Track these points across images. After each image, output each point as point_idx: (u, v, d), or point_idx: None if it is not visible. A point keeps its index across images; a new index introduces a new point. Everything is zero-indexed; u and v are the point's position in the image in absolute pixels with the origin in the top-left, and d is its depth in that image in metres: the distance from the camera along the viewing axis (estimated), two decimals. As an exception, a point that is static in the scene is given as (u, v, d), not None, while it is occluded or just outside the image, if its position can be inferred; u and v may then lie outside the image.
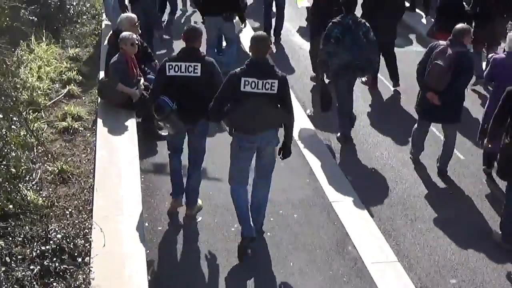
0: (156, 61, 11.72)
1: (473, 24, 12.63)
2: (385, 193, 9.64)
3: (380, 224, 8.82)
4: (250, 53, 7.92)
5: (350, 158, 10.59)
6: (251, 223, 8.19)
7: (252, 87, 7.70)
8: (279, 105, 7.91)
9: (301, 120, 11.71)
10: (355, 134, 11.37)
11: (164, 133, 10.90)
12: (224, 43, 14.18)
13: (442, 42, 9.68)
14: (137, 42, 10.83)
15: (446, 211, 9.22)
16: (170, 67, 8.31)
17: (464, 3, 12.98)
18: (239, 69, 7.84)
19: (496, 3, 12.71)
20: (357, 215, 8.94)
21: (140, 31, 11.55)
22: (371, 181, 9.94)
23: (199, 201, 9.04)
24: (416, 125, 10.49)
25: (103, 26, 15.68)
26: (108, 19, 15.85)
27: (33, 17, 14.17)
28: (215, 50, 13.59)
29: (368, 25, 10.74)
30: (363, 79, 13.41)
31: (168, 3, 16.08)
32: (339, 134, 11.21)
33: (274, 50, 15.06)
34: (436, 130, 11.14)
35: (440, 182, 9.98)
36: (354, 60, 10.59)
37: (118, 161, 9.45)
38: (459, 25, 9.69)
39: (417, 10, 18.20)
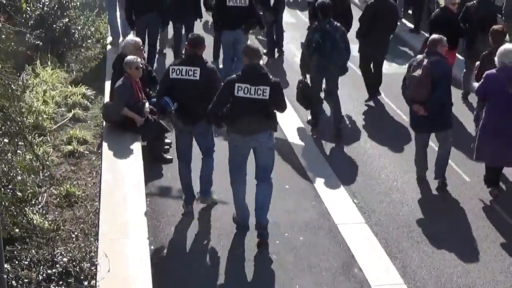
0: None
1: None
2: (391, 215, 9.63)
3: (386, 246, 8.80)
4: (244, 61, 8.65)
5: (356, 181, 10.58)
6: (247, 212, 8.96)
7: (245, 92, 8.37)
8: (272, 109, 8.63)
9: (305, 141, 11.74)
10: (361, 157, 11.39)
11: (169, 156, 10.94)
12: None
13: (420, 56, 10.12)
14: (141, 65, 10.89)
15: (452, 233, 9.20)
16: (173, 70, 9.03)
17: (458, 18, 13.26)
18: (235, 75, 8.55)
19: (478, 20, 12.98)
20: (363, 238, 8.93)
21: (144, 54, 11.65)
22: (377, 203, 9.93)
23: (214, 196, 9.69)
24: (415, 143, 10.67)
25: (107, 49, 15.75)
26: (112, 35, 16.28)
27: (38, 42, 14.27)
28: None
29: (343, 28, 11.84)
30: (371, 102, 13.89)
31: None
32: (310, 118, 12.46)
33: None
34: (432, 143, 11.17)
35: (447, 204, 9.96)
36: (334, 63, 11.69)
37: (123, 184, 9.47)
38: (433, 35, 10.19)
39: (421, 32, 18.31)
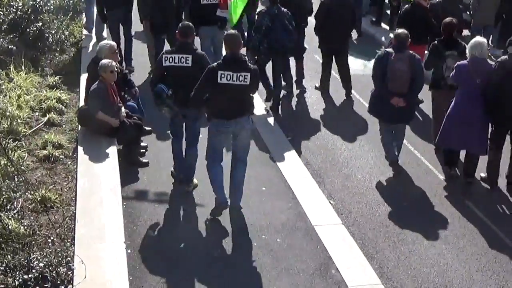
0: (137, 88, 11.75)
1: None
2: (367, 215, 9.67)
3: (363, 246, 8.84)
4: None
5: (333, 182, 10.62)
6: (224, 192, 9.42)
7: (227, 79, 8.95)
8: (251, 94, 9.41)
9: (283, 144, 11.76)
10: (337, 158, 11.43)
11: (145, 160, 10.91)
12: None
13: (389, 50, 10.73)
14: (116, 69, 10.84)
15: (428, 233, 9.25)
16: (166, 58, 9.72)
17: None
18: (216, 63, 9.10)
19: (444, 16, 12.63)
20: (340, 239, 8.95)
21: (119, 58, 11.62)
22: (354, 204, 9.97)
23: (195, 180, 10.20)
24: (380, 130, 11.28)
25: (82, 53, 15.68)
26: (88, 30, 16.93)
27: (12, 46, 14.16)
28: None
29: (290, 14, 12.93)
30: (316, 84, 14.80)
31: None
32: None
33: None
34: (409, 144, 11.30)
35: (423, 204, 10.02)
36: (286, 43, 12.81)
37: (99, 188, 9.42)
38: (401, 31, 10.75)
39: (382, 24, 18.72)
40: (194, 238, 8.94)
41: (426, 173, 10.91)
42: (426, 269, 8.43)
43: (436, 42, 11.46)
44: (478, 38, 10.43)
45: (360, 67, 15.85)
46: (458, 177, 10.80)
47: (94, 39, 16.52)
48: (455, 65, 10.43)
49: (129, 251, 8.36)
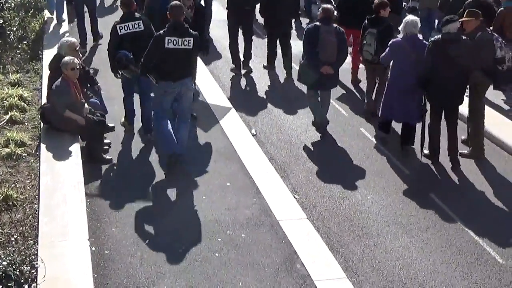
0: (99, 84, 11.70)
1: None
2: (332, 210, 9.71)
3: (328, 241, 8.87)
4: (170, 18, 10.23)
5: (297, 177, 10.64)
6: (176, 141, 10.48)
7: (174, 44, 10.13)
8: (194, 57, 10.77)
9: (246, 139, 11.77)
10: (301, 153, 11.46)
11: (108, 156, 10.86)
12: None
13: (317, 23, 11.73)
14: (78, 66, 10.77)
15: (392, 226, 9.31)
16: (120, 28, 11.11)
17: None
18: (161, 31, 10.19)
19: None
20: (304, 233, 8.97)
21: (81, 55, 11.58)
22: (318, 199, 10.00)
23: (122, 119, 11.95)
24: (308, 97, 12.38)
25: (44, 51, 15.56)
26: (50, 13, 17.79)
27: (-28, 44, 14.02)
28: None
29: None
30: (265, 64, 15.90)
31: None
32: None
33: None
34: (370, 136, 11.37)
35: (387, 197, 10.08)
36: None
37: (62, 186, 9.37)
38: (328, 6, 11.89)
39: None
40: (159, 233, 8.91)
41: (391, 168, 10.98)
42: (391, 262, 8.49)
43: (366, 20, 12.68)
44: (411, 17, 11.28)
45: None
46: (389, 142, 11.80)
47: (55, 36, 16.38)
48: (389, 43, 11.29)
49: (93, 248, 8.32)
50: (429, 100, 11.07)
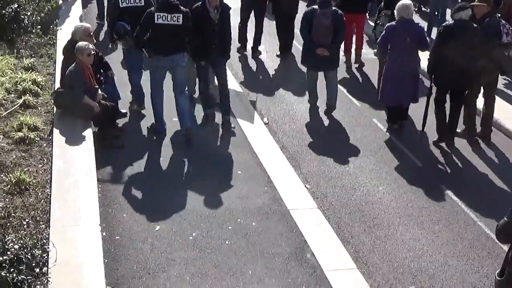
0: (112, 71, 11.71)
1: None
2: (343, 200, 9.70)
3: (338, 231, 8.87)
4: None
5: (308, 166, 10.63)
6: (163, 122, 11.31)
7: (163, 19, 10.67)
8: (184, 34, 10.94)
9: (258, 127, 11.77)
10: (314, 142, 11.45)
11: (120, 142, 10.88)
12: None
13: (315, 7, 12.27)
14: (93, 52, 10.78)
15: (404, 218, 9.30)
16: (122, 0, 11.52)
17: None
18: (153, 7, 10.87)
19: None
20: (315, 223, 8.96)
21: (95, 40, 11.59)
22: (329, 188, 9.99)
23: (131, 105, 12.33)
24: (307, 77, 12.96)
25: (58, 36, 15.57)
26: None
27: (-14, 28, 14.02)
28: None
29: None
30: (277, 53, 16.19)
31: None
32: None
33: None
34: (382, 126, 11.34)
35: (399, 189, 10.06)
36: None
37: (75, 171, 9.39)
38: None
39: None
40: (170, 220, 8.92)
41: (404, 159, 10.97)
42: (402, 254, 8.48)
43: (382, 2, 13.38)
44: (405, 1, 11.48)
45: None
46: (401, 132, 11.93)
47: (69, 21, 16.39)
48: (385, 27, 11.79)
49: (104, 234, 8.34)
50: (436, 84, 11.37)
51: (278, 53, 16.03)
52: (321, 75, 12.83)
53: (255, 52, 15.88)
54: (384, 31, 11.68)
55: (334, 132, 11.97)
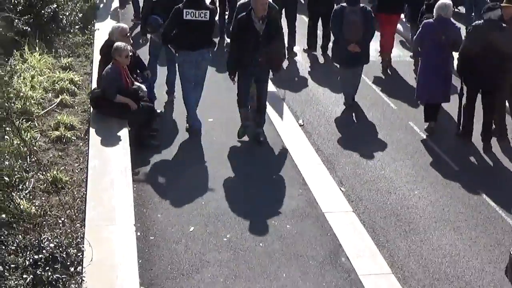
0: (148, 71, 11.76)
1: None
2: (378, 203, 9.63)
3: (373, 235, 8.80)
4: None
5: (344, 169, 10.58)
6: (196, 114, 11.57)
7: (191, 16, 11.01)
8: (210, 29, 11.34)
9: (293, 129, 11.74)
10: (349, 145, 11.38)
11: (155, 142, 10.91)
12: None
13: (343, 4, 12.64)
14: (130, 53, 10.84)
15: (440, 223, 9.20)
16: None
17: None
18: (181, 4, 11.11)
19: None
20: (350, 226, 8.91)
21: (132, 40, 11.65)
22: (365, 192, 9.93)
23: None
24: (339, 76, 13.23)
25: (95, 36, 15.67)
26: None
27: (26, 27, 14.13)
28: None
29: None
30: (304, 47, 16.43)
31: None
32: None
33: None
34: (419, 130, 11.28)
35: (436, 193, 9.96)
36: None
37: (110, 170, 9.42)
38: None
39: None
40: (204, 222, 8.92)
41: (440, 163, 10.86)
42: (438, 259, 8.38)
43: (424, 5, 13.62)
44: (445, 0, 11.59)
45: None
46: (435, 131, 11.89)
47: (107, 21, 16.49)
48: (421, 24, 11.97)
49: (138, 233, 8.36)
50: (466, 83, 11.41)
51: (306, 47, 16.35)
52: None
53: (290, 53, 15.75)
54: (420, 28, 11.86)
55: (370, 135, 11.89)
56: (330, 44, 14.70)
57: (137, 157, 10.22)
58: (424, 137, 11.76)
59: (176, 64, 11.83)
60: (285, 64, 15.20)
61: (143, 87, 11.35)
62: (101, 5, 18.83)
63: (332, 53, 13.46)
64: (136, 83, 11.05)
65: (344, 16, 12.49)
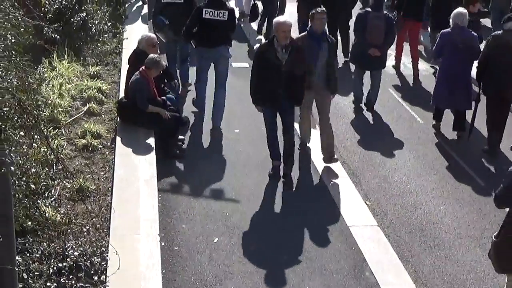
0: (176, 80, 11.82)
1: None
2: (403, 218, 9.58)
3: (398, 250, 8.75)
4: None
5: (369, 183, 10.53)
6: (205, 105, 12.37)
7: (210, 15, 11.71)
8: (229, 29, 11.98)
9: (319, 142, 11.68)
10: (374, 159, 11.34)
11: (182, 152, 10.93)
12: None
13: (368, 9, 13.22)
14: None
15: (465, 239, 9.13)
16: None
17: None
18: (203, 3, 11.85)
19: None
20: (375, 240, 8.87)
21: (159, 51, 11.76)
22: (390, 206, 9.88)
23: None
24: (353, 76, 13.86)
25: (124, 44, 15.76)
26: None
27: (56, 35, 14.25)
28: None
29: None
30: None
31: None
32: None
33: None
34: (445, 145, 11.21)
35: (461, 208, 9.89)
36: None
37: (136, 179, 9.46)
38: None
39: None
40: (229, 233, 8.92)
41: (466, 178, 10.78)
42: (463, 276, 8.31)
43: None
44: (460, 9, 12.16)
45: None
46: (439, 129, 12.54)
47: (136, 30, 16.59)
48: (439, 34, 12.31)
49: (163, 244, 8.37)
50: (485, 93, 11.67)
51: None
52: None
53: None
54: (438, 37, 12.22)
55: (396, 149, 11.83)
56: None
57: (162, 166, 10.25)
58: (451, 152, 11.68)
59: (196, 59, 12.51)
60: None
61: (171, 96, 11.42)
62: (130, 14, 18.92)
63: (351, 55, 13.96)
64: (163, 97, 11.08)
65: (368, 20, 12.95)
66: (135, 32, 16.42)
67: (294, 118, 10.56)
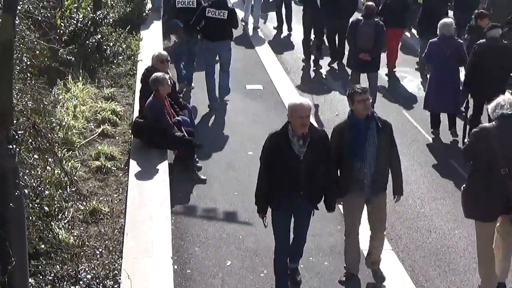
0: (186, 110, 11.85)
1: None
2: (418, 242, 9.52)
3: (412, 274, 8.69)
4: None
5: (383, 206, 10.47)
6: (216, 93, 14.43)
7: (212, 14, 13.87)
8: (229, 26, 14.07)
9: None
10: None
11: (203, 176, 10.88)
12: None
13: (360, 18, 14.33)
14: (170, 82, 11.01)
15: (479, 263, 9.05)
16: (178, 2, 14.65)
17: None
18: (207, 3, 14.12)
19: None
20: (389, 265, 8.80)
21: (169, 66, 11.95)
22: (404, 230, 9.83)
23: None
24: (350, 78, 14.98)
25: (138, 66, 15.83)
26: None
27: (71, 57, 14.33)
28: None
29: None
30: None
31: None
32: None
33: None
34: (458, 166, 11.13)
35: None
36: None
37: (149, 202, 9.46)
38: (370, 3, 14.38)
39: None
40: (241, 256, 8.90)
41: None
42: (477, 301, 8.27)
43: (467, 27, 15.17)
44: (446, 20, 13.25)
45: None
46: (438, 135, 13.24)
47: (150, 52, 16.64)
48: (428, 43, 13.31)
49: (175, 266, 8.36)
50: (472, 96, 12.59)
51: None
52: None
53: (317, 65, 17.68)
54: (427, 47, 13.21)
55: (409, 172, 11.76)
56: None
57: (176, 189, 10.26)
58: (465, 175, 11.59)
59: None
60: (311, 74, 17.03)
61: (186, 118, 11.45)
62: (147, 37, 18.99)
63: (347, 59, 15.15)
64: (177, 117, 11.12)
65: (358, 27, 14.13)
66: (150, 54, 16.45)
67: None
